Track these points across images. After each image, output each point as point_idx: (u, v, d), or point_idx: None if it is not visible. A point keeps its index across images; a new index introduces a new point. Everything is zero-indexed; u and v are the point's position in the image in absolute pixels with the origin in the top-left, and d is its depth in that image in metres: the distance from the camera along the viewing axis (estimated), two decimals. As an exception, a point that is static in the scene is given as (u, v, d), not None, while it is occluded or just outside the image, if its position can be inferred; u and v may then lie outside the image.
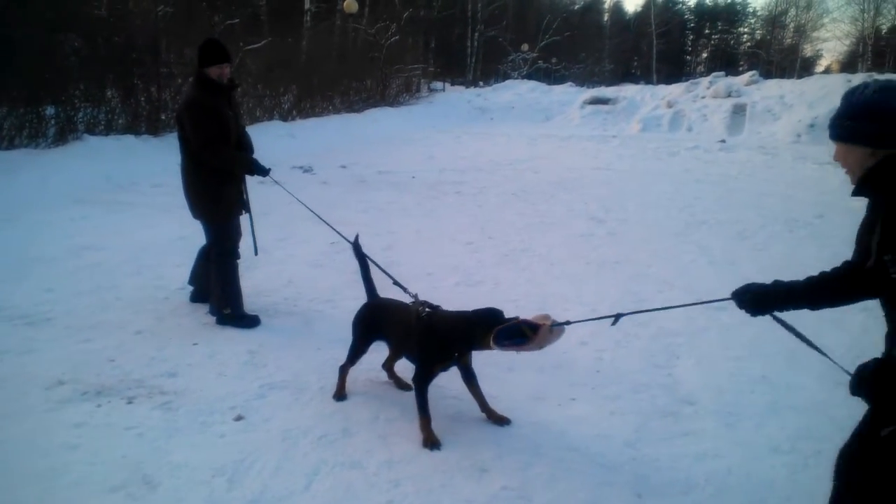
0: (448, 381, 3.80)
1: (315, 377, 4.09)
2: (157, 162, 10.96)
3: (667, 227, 8.40)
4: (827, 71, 46.09)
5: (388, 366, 4.07)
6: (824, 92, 20.32)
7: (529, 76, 40.65)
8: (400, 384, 4.01)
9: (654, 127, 21.85)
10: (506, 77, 39.80)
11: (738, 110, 21.27)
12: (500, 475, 3.14)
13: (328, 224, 4.95)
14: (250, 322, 4.93)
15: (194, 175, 4.81)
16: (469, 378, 3.61)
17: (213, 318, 4.96)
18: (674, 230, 8.19)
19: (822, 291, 2.41)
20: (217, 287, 4.93)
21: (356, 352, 3.89)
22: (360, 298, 5.47)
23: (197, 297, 5.27)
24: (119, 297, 5.36)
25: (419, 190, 10.71)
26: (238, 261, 5.05)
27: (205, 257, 5.14)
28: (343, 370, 3.90)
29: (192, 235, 5.64)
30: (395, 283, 3.94)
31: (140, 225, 7.68)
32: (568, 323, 3.13)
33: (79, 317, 4.92)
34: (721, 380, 4.21)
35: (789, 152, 15.97)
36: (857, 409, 3.64)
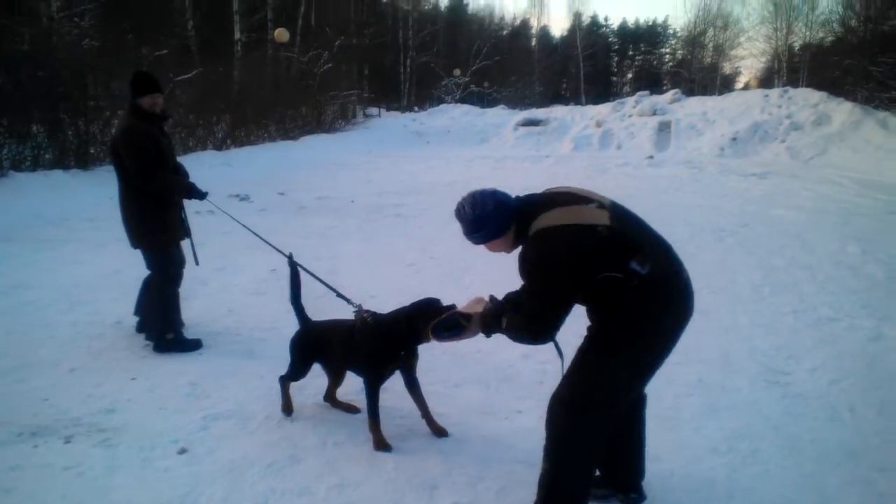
0: (397, 401, 3.83)
1: (260, 405, 4.04)
2: (88, 196, 10.67)
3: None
4: (746, 87, 48.07)
5: (330, 395, 4.05)
6: (744, 107, 21.25)
7: (463, 100, 41.17)
8: (348, 408, 4.00)
9: (584, 146, 22.39)
10: (440, 102, 40.21)
11: (664, 127, 22.01)
12: (451, 491, 3.17)
13: (265, 240, 4.91)
14: (193, 346, 4.91)
15: (132, 203, 4.80)
16: (412, 385, 3.66)
17: (151, 352, 4.86)
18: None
19: None
20: (158, 313, 4.89)
21: (296, 372, 3.92)
22: (302, 324, 5.46)
23: (143, 327, 5.19)
24: (52, 335, 5.18)
25: (359, 214, 10.71)
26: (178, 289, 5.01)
27: (149, 286, 5.09)
28: (284, 383, 3.93)
29: (128, 269, 5.53)
30: (338, 294, 3.96)
31: (72, 261, 7.45)
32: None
33: (10, 357, 4.73)
34: (659, 385, 4.30)
35: (714, 166, 16.60)
36: (789, 407, 3.81)
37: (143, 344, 4.99)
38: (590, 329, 2.78)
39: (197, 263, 5.15)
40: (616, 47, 76.61)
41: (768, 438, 3.65)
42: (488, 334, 3.03)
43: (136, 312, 5.26)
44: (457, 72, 44.41)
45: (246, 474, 3.31)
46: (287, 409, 3.91)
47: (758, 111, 20.51)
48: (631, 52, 77.13)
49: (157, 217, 4.83)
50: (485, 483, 3.23)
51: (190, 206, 5.10)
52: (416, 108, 38.78)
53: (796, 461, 3.41)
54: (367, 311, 3.68)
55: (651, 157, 19.12)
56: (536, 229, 2.64)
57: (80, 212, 10.09)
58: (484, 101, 44.93)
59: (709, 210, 10.84)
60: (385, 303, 4.34)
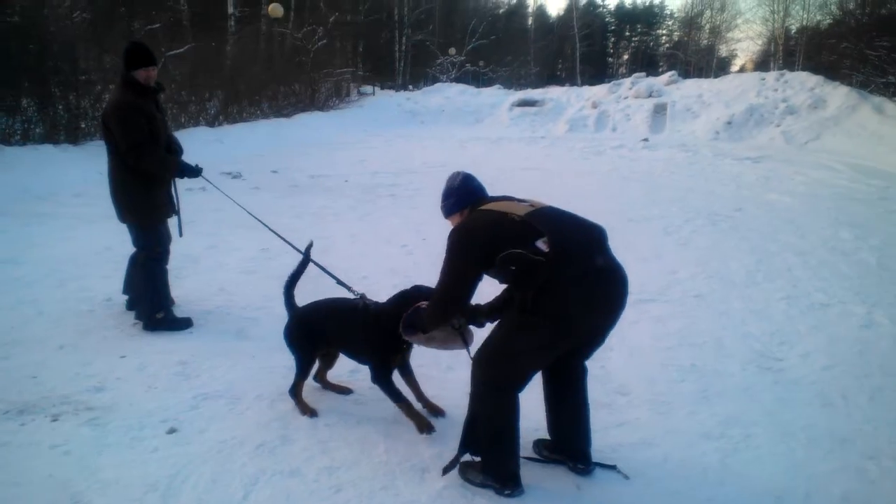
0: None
1: (251, 385, 4.01)
2: (78, 171, 10.56)
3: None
4: (742, 70, 47.85)
5: (322, 376, 4.01)
6: (740, 90, 21.17)
7: (458, 79, 40.86)
8: (340, 389, 3.97)
9: (580, 127, 22.31)
10: (435, 80, 39.89)
11: (660, 109, 21.94)
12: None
13: (270, 228, 4.87)
14: (183, 324, 4.88)
15: (122, 179, 4.72)
16: (405, 370, 3.67)
17: (141, 330, 4.82)
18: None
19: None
20: (147, 292, 4.84)
21: (305, 366, 3.75)
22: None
23: (133, 305, 5.13)
24: (41, 312, 5.14)
25: (353, 194, 10.64)
26: (167, 266, 4.96)
27: (136, 263, 5.02)
28: (296, 390, 3.73)
29: (119, 245, 5.47)
30: (339, 282, 3.91)
31: (61, 237, 7.37)
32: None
33: (-3, 334, 4.69)
34: (652, 370, 4.33)
35: (709, 149, 16.56)
36: (782, 393, 3.80)
37: (133, 322, 4.95)
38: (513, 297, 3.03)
39: (181, 235, 5.06)
40: (613, 28, 76.18)
41: (761, 424, 3.65)
42: (411, 334, 3.30)
43: (125, 291, 5.21)
44: (452, 51, 44.06)
45: (236, 455, 3.29)
46: (309, 411, 3.69)
47: (753, 94, 20.43)
48: (627, 33, 76.77)
49: (145, 193, 4.75)
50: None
51: (182, 182, 5.02)
52: (410, 87, 38.51)
53: (788, 447, 3.41)
54: (370, 301, 3.63)
55: (646, 139, 19.07)
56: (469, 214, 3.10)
57: (70, 187, 10.00)
58: (479, 80, 44.65)
59: (703, 194, 10.82)
60: (377, 283, 4.32)
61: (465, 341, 3.32)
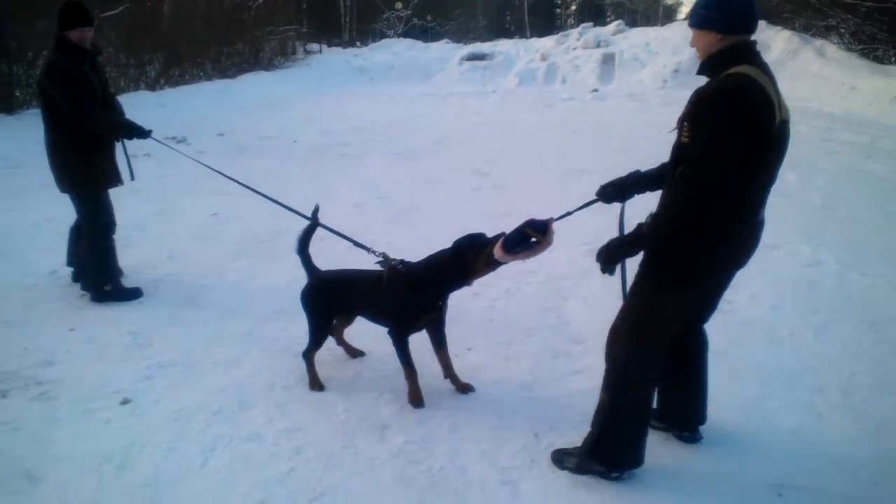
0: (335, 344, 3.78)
1: (205, 352, 3.96)
2: (14, 142, 10.09)
3: (549, 176, 8.60)
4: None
5: (339, 334, 3.87)
6: (686, 38, 21.22)
7: (406, 34, 40.12)
8: (355, 352, 3.88)
9: (530, 81, 22.18)
10: (382, 36, 39.12)
11: (608, 60, 21.91)
12: (402, 430, 3.18)
13: (264, 194, 4.73)
14: (132, 294, 4.76)
15: (62, 145, 4.52)
16: (440, 342, 3.49)
17: (89, 302, 4.70)
18: (555, 179, 8.41)
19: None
20: (94, 264, 4.70)
21: (320, 333, 3.59)
22: (247, 270, 5.36)
23: (80, 277, 4.96)
24: (-19, 288, 4.96)
25: (303, 154, 10.44)
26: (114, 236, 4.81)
27: (77, 234, 4.84)
28: (309, 356, 3.59)
29: (60, 216, 5.27)
30: (356, 244, 3.71)
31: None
32: (569, 213, 3.14)
33: (-65, 312, 4.52)
34: (607, 318, 4.36)
35: (657, 98, 16.66)
36: (732, 334, 3.88)
37: (80, 294, 4.81)
38: (646, 256, 2.69)
39: (132, 178, 4.87)
40: (560, -22, 75.50)
41: (712, 364, 3.72)
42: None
43: (70, 263, 5.03)
44: (398, 5, 43.18)
45: (192, 422, 3.25)
46: (317, 384, 3.55)
47: (699, 41, 20.48)
48: (575, -17, 76.17)
49: (87, 160, 4.55)
50: (435, 421, 3.24)
51: (130, 148, 4.82)
52: (358, 44, 37.66)
53: (740, 386, 3.51)
54: (396, 259, 3.46)
55: (596, 90, 19.07)
56: (748, 74, 2.37)
57: (6, 158, 9.57)
58: (427, 34, 43.94)
59: (653, 142, 10.85)
60: (332, 245, 4.26)
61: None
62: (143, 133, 4.63)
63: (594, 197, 3.08)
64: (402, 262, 3.43)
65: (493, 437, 3.11)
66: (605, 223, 3.04)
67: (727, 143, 2.32)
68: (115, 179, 4.77)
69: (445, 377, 3.54)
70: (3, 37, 12.20)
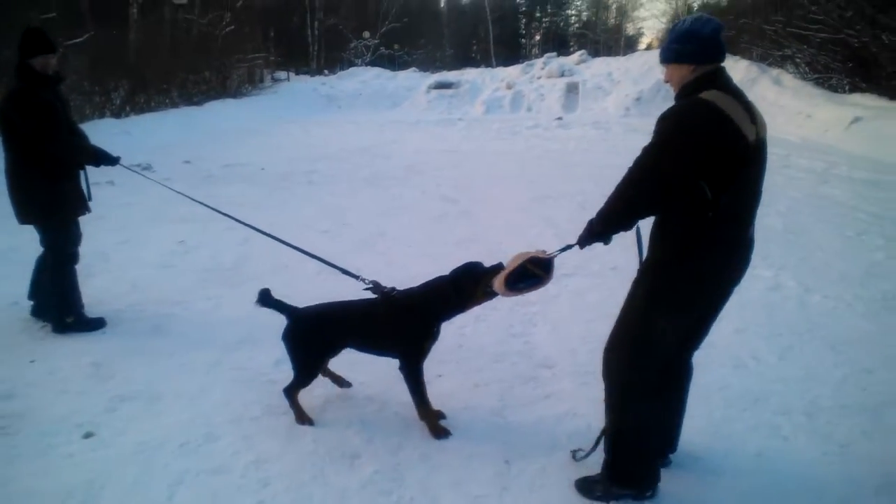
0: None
1: (170, 384, 3.88)
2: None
3: (514, 202, 8.68)
4: (649, 48, 49.17)
5: (324, 369, 3.73)
6: (647, 67, 21.74)
7: (374, 63, 40.40)
8: (340, 382, 3.78)
9: (496, 108, 22.45)
10: (350, 64, 39.33)
11: (572, 89, 22.31)
12: (372, 460, 3.15)
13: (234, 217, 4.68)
14: (95, 325, 4.65)
15: (23, 174, 4.39)
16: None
17: (50, 333, 4.58)
18: (521, 205, 8.49)
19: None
20: (56, 295, 4.57)
21: (309, 371, 3.46)
22: (213, 298, 5.28)
23: (40, 312, 4.81)
24: (-64, 320, 4.82)
25: (270, 182, 10.39)
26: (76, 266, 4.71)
27: (43, 266, 4.73)
28: (292, 394, 3.44)
29: (23, 245, 5.15)
30: (345, 272, 3.63)
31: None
32: (568, 247, 3.08)
33: None
34: (574, 342, 4.42)
35: (620, 126, 16.96)
36: (697, 357, 3.91)
37: (41, 325, 4.70)
38: (646, 266, 2.75)
39: (89, 199, 4.72)
40: (524, 9, 76.79)
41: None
42: (585, 243, 2.96)
43: (31, 297, 4.88)
44: (366, 34, 43.52)
45: (157, 455, 3.18)
46: (305, 418, 3.41)
47: (660, 71, 20.94)
48: (538, 14, 77.50)
49: (51, 189, 4.43)
50: (406, 450, 3.22)
51: (92, 174, 4.74)
52: (325, 72, 37.76)
53: (706, 409, 3.54)
54: (388, 287, 3.40)
55: (560, 118, 19.36)
56: (704, 97, 2.48)
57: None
58: (395, 63, 44.25)
59: (617, 169, 10.86)
60: (300, 271, 4.24)
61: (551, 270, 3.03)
62: (111, 160, 4.57)
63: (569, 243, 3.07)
64: (393, 289, 3.40)
65: (464, 465, 3.10)
66: (572, 251, 3.06)
67: (665, 148, 2.50)
68: (83, 207, 4.67)
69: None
70: (-36, 64, 12.01)
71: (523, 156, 12.86)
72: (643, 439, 2.76)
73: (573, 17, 74.88)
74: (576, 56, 26.18)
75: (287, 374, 3.65)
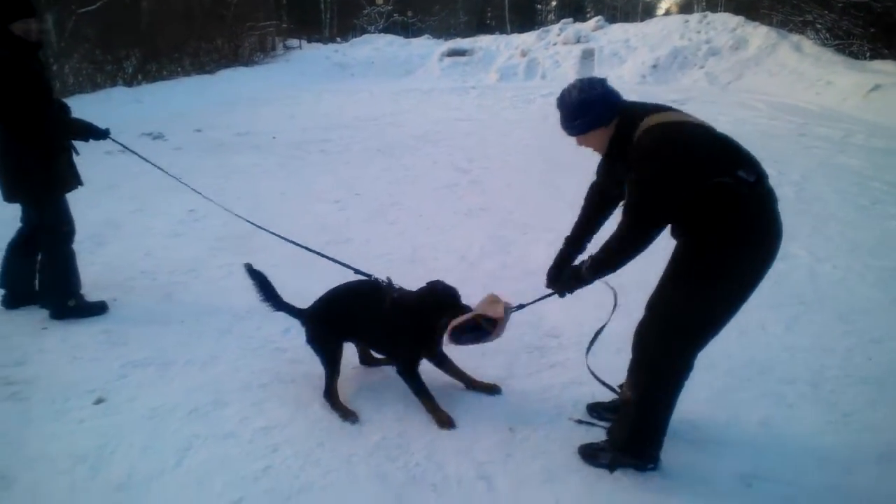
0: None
1: (181, 350, 3.94)
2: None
3: (527, 172, 8.64)
4: (667, 13, 48.37)
5: (365, 355, 3.77)
6: (665, 33, 21.41)
7: (387, 30, 40.04)
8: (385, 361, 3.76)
9: (510, 76, 22.22)
10: (363, 32, 38.99)
11: (588, 55, 22.02)
12: (378, 427, 3.19)
13: (194, 188, 4.69)
14: (97, 310, 4.42)
15: (11, 149, 4.09)
16: (442, 362, 3.48)
17: (48, 318, 4.36)
18: (533, 175, 8.44)
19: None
20: (57, 277, 4.36)
21: (333, 367, 3.41)
22: (225, 266, 5.33)
23: (13, 302, 4.53)
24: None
25: (282, 151, 10.39)
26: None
27: (20, 250, 4.49)
28: (331, 394, 3.36)
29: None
30: (356, 271, 3.59)
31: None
32: (521, 307, 3.18)
33: None
34: (581, 313, 4.40)
35: (636, 93, 16.70)
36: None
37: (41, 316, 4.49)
38: (680, 253, 2.72)
39: (76, 153, 4.46)
40: (540, -26, 75.59)
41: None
42: (572, 290, 3.04)
43: (2, 284, 4.56)
44: (379, 0, 43.09)
45: (167, 421, 3.24)
46: (350, 414, 3.29)
47: (677, 37, 20.69)
48: (555, -21, 76.29)
49: (43, 165, 4.12)
50: (412, 417, 3.26)
51: (100, 144, 4.61)
52: (338, 39, 37.50)
53: (710, 378, 3.54)
54: (396, 288, 3.39)
55: (576, 85, 19.13)
56: (650, 125, 2.51)
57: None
58: (408, 30, 43.84)
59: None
60: (310, 240, 4.24)
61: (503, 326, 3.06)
62: (99, 133, 4.39)
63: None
64: (400, 289, 3.40)
65: (468, 432, 3.14)
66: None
67: (662, 181, 2.48)
68: (75, 181, 4.40)
69: (470, 388, 3.51)
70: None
71: (537, 124, 12.74)
72: (662, 417, 2.78)
73: (590, -18, 73.59)
74: (592, 22, 25.76)
75: (296, 341, 3.70)
